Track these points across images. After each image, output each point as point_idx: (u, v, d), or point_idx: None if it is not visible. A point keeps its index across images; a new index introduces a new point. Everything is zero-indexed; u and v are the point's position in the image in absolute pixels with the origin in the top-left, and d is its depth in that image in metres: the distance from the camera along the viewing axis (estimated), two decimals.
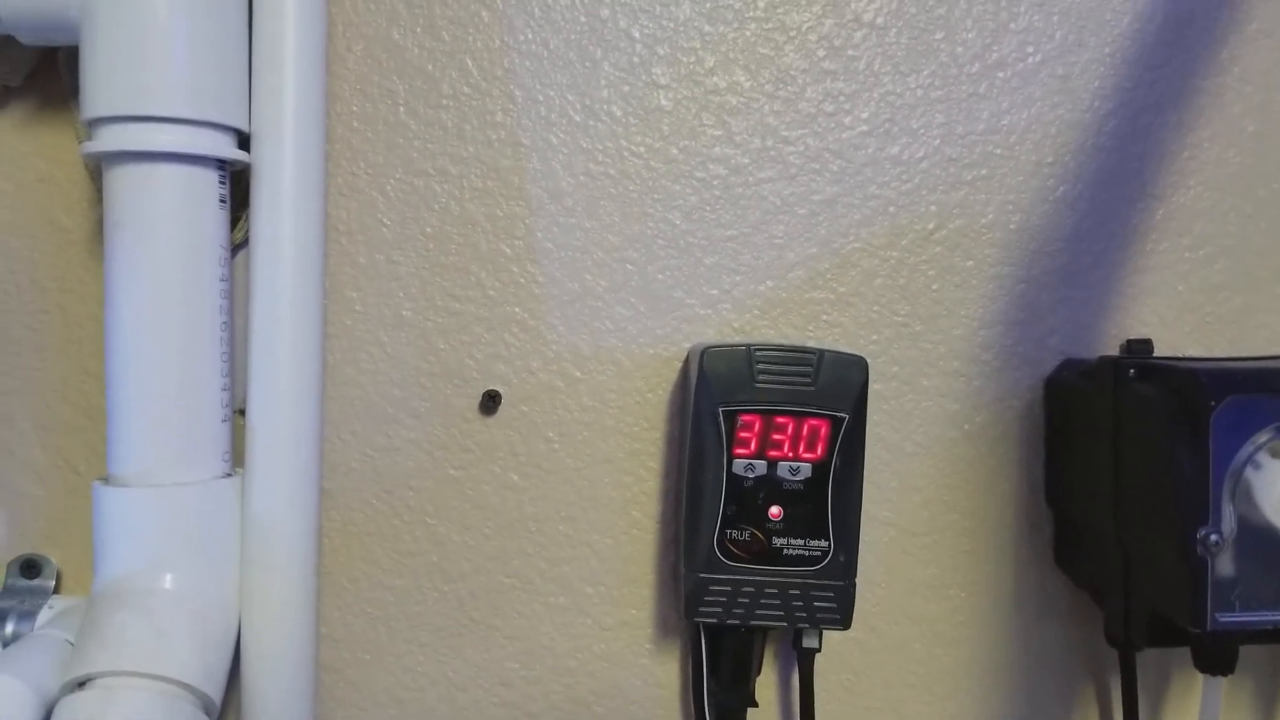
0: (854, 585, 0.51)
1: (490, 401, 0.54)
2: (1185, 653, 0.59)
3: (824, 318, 0.57)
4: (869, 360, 0.51)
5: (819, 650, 0.55)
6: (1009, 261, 0.59)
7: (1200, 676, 0.57)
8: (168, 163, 0.46)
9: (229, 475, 0.48)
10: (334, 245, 0.55)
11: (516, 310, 0.55)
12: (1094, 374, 0.53)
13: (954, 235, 0.58)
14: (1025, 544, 0.59)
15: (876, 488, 0.57)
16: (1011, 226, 0.59)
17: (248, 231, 0.49)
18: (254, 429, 0.47)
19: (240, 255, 0.52)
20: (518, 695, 0.56)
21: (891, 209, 0.58)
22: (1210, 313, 0.60)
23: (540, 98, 0.55)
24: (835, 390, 0.51)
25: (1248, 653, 0.55)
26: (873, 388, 0.56)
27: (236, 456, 0.50)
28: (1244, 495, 0.46)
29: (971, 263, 0.58)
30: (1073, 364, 0.57)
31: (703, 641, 0.54)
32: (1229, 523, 0.46)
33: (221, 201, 0.48)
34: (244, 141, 0.49)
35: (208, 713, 0.43)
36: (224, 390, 0.48)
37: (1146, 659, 0.59)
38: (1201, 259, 0.60)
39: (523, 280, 0.56)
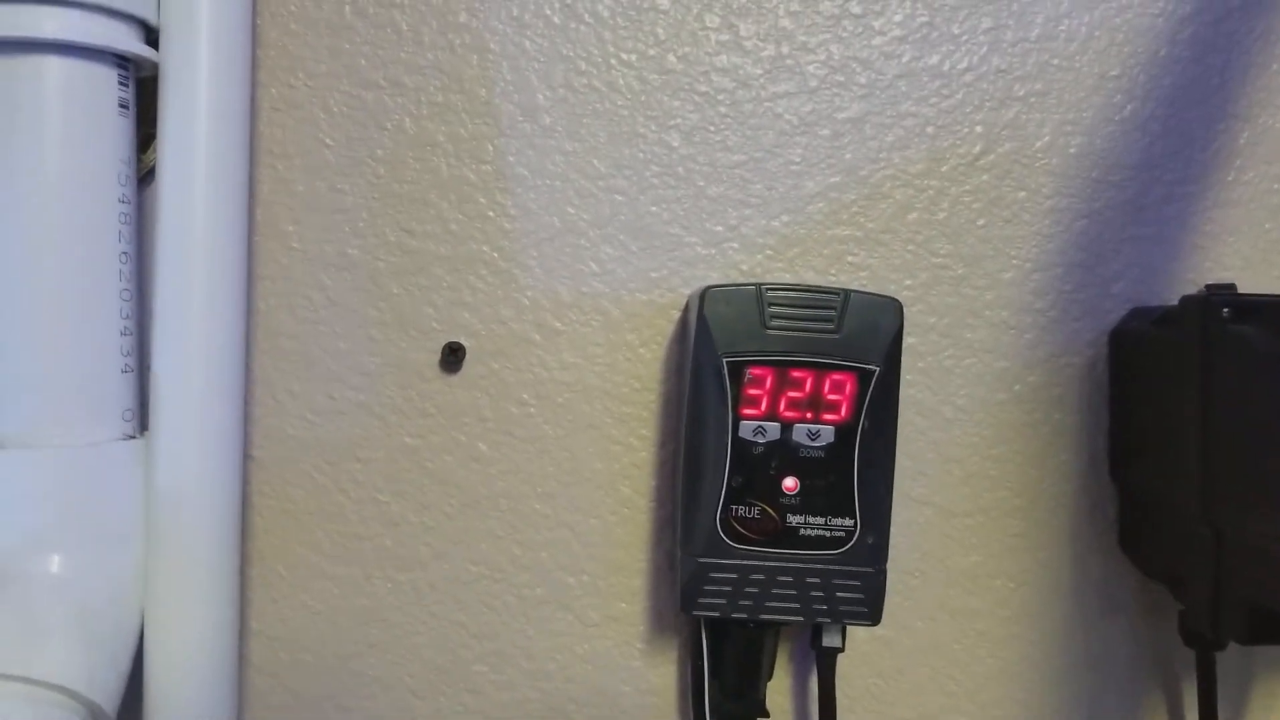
0: (884, 573, 0.47)
1: (452, 356, 0.48)
2: (1273, 653, 0.56)
3: (849, 259, 0.51)
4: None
5: (842, 650, 0.50)
6: (1068, 193, 0.54)
7: None
8: (55, 54, 0.41)
9: (131, 438, 0.42)
10: (266, 170, 0.50)
11: (484, 249, 0.49)
12: (1175, 318, 0.49)
13: (1003, 161, 0.54)
14: (1085, 526, 0.54)
15: (910, 459, 0.52)
16: (1071, 151, 0.54)
17: None
18: (160, 384, 0.42)
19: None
20: (486, 703, 0.51)
21: (930, 130, 0.53)
22: None
23: None
24: (863, 338, 0.46)
25: None
26: (907, 341, 0.51)
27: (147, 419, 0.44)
28: None
29: (1024, 194, 0.54)
30: (1143, 313, 0.52)
31: (704, 640, 0.50)
32: None
33: (122, 107, 0.42)
34: (153, 37, 0.44)
35: None
36: (124, 335, 0.42)
37: (1225, 661, 0.54)
38: None
39: (491, 213, 0.51)
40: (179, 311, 0.42)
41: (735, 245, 0.51)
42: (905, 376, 0.51)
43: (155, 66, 0.44)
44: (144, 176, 0.47)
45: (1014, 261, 0.53)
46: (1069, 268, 0.54)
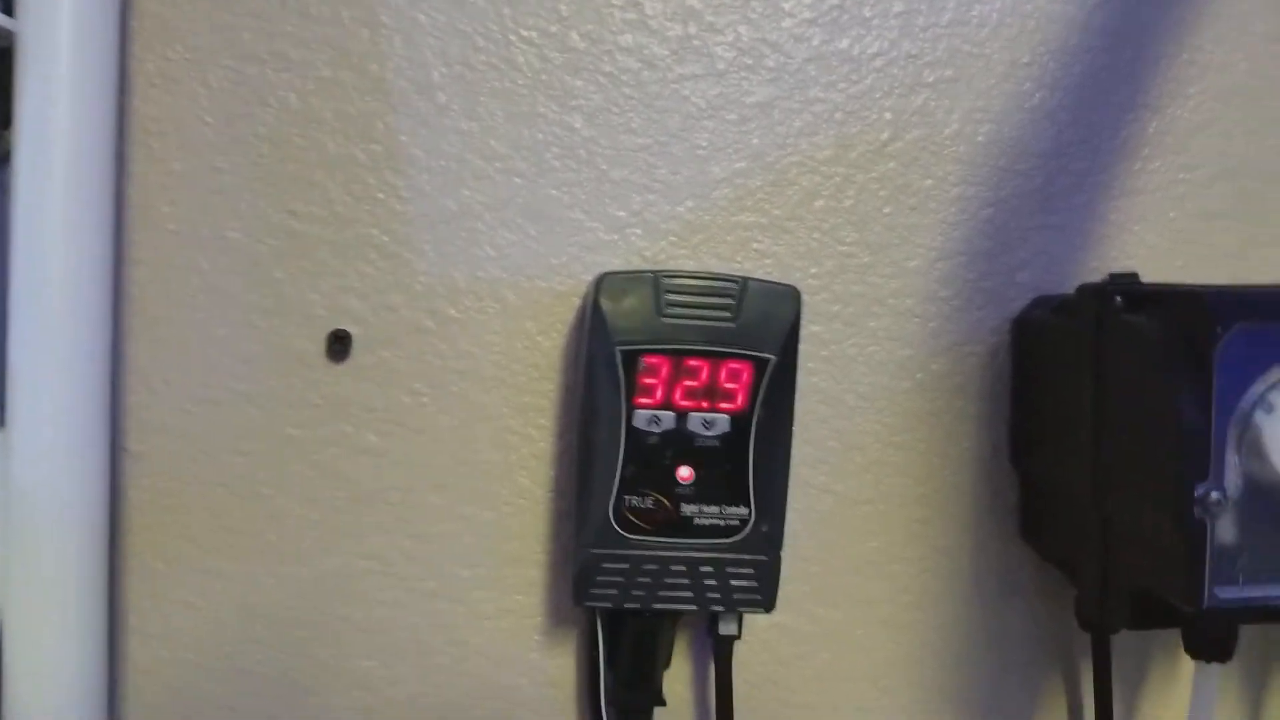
0: (779, 560, 0.47)
1: (338, 344, 0.47)
2: (1167, 636, 0.56)
3: (754, 245, 0.51)
4: (805, 295, 0.47)
5: (738, 638, 0.50)
6: (975, 181, 0.54)
7: (1189, 663, 0.53)
8: None
9: None
10: (140, 149, 0.48)
11: (373, 232, 0.48)
12: (1072, 306, 0.49)
13: (911, 148, 0.53)
14: (986, 513, 0.55)
15: (812, 447, 0.52)
16: (979, 139, 0.54)
17: None
18: (17, 374, 0.39)
19: None
20: (378, 700, 0.50)
21: (838, 115, 0.53)
22: (1207, 244, 0.56)
23: None
24: (760, 327, 0.46)
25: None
26: (811, 329, 0.50)
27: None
28: (1251, 445, 0.42)
29: (930, 182, 0.54)
30: (1045, 301, 0.52)
31: (599, 631, 0.50)
32: (1233, 478, 0.42)
33: None
34: (9, 4, 0.42)
35: None
36: None
37: (1124, 643, 0.56)
38: (1199, 182, 0.56)
39: (381, 195, 0.49)
40: (35, 300, 0.40)
41: (638, 231, 0.50)
42: (808, 364, 0.51)
43: (11, 36, 0.41)
44: (6, 157, 0.44)
45: (920, 250, 0.53)
46: (974, 256, 0.53)
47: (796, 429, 0.47)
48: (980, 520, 0.55)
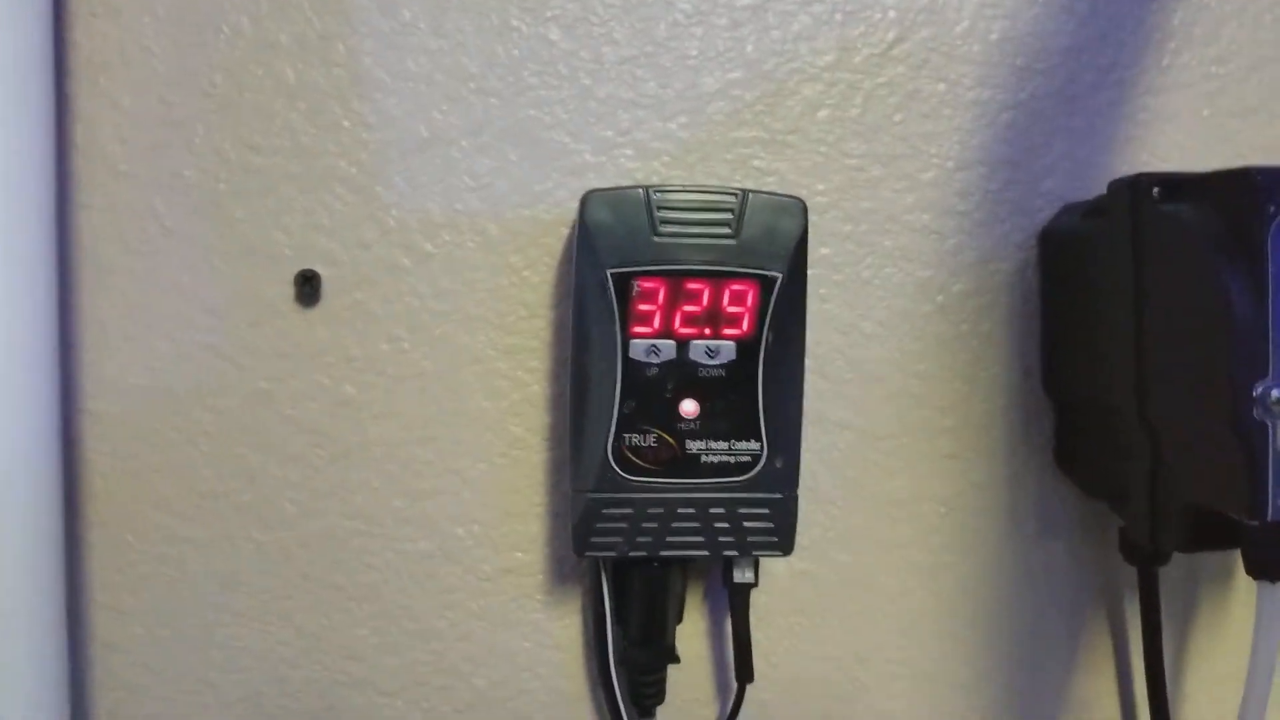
0: (795, 499, 0.44)
1: (308, 287, 0.43)
2: (1216, 565, 0.54)
3: (755, 163, 0.48)
4: (813, 215, 0.44)
5: (755, 585, 0.47)
6: (991, 83, 0.51)
7: (1241, 593, 0.52)
8: None
9: None
10: (84, 83, 0.45)
11: (340, 164, 0.45)
12: (1103, 206, 0.45)
13: (920, 50, 0.50)
14: (1019, 443, 0.51)
15: (827, 380, 0.49)
16: (993, 37, 0.50)
17: None
18: None
19: None
20: (370, 670, 0.48)
21: (838, 17, 0.49)
22: (1245, 142, 0.52)
23: None
24: (764, 244, 0.43)
25: None
26: (821, 252, 0.46)
27: None
28: None
29: (943, 86, 0.50)
30: (1074, 209, 0.48)
31: (604, 585, 0.47)
32: None
33: None
34: None
35: None
36: None
37: (1170, 577, 0.52)
38: (1233, 75, 0.52)
39: (347, 123, 0.46)
40: None
41: (628, 152, 0.47)
42: (819, 290, 0.47)
43: None
44: None
45: (934, 160, 0.49)
46: (994, 165, 0.50)
47: (810, 361, 0.44)
48: (1013, 452, 0.52)
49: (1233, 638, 0.54)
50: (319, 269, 0.45)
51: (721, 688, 0.50)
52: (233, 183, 0.45)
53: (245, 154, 0.45)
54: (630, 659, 0.47)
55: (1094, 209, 0.46)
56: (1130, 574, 0.51)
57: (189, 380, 0.46)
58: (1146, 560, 0.49)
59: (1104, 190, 0.47)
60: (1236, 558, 0.52)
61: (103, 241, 0.45)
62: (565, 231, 0.46)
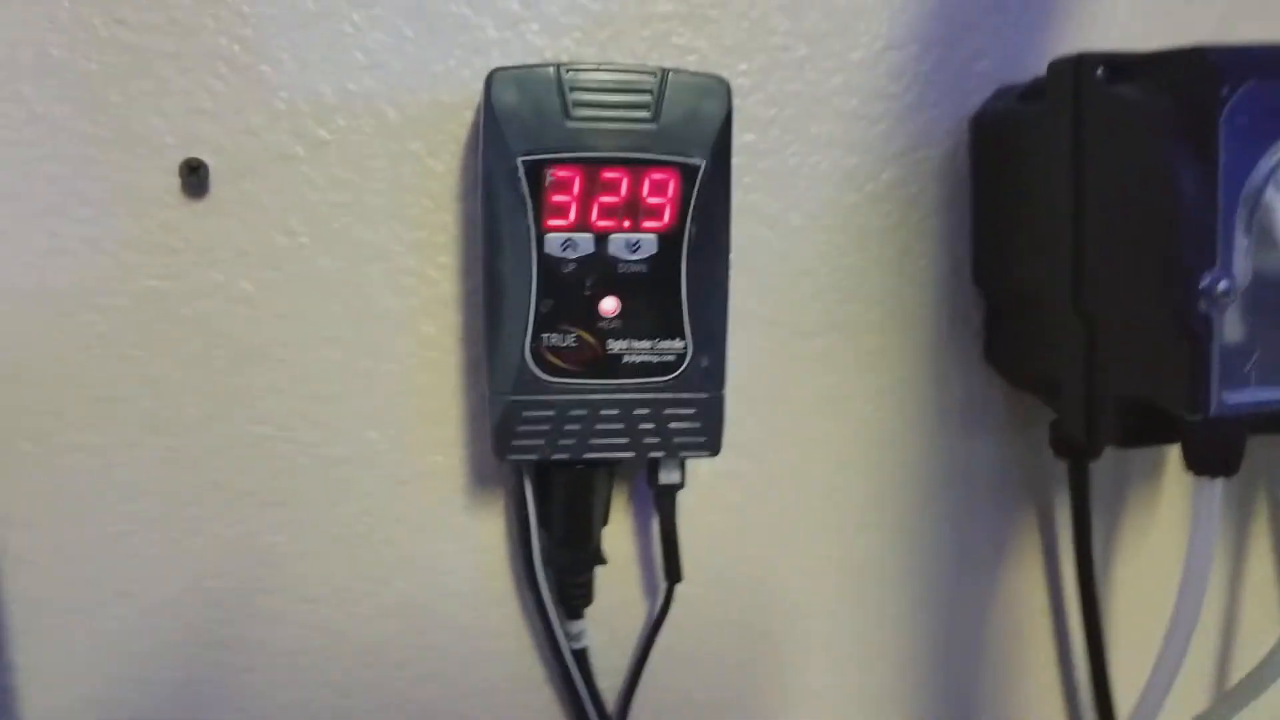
0: (722, 397, 0.41)
1: (193, 176, 0.36)
2: (1144, 460, 0.51)
3: (674, 40, 0.43)
4: (736, 99, 0.39)
5: (682, 486, 0.44)
6: None
7: (1169, 488, 0.49)
8: None
9: None
10: None
11: (221, 41, 0.40)
12: (1043, 88, 0.41)
13: None
14: (948, 338, 0.48)
15: (751, 274, 0.45)
16: None
17: None
18: None
19: None
20: (287, 577, 0.44)
21: None
22: (1186, 19, 0.48)
23: None
24: (686, 127, 0.38)
25: None
26: (745, 139, 0.40)
27: None
28: (1261, 228, 0.35)
29: None
30: (1008, 92, 0.42)
31: (527, 488, 0.43)
32: (1242, 265, 0.35)
33: None
34: None
35: None
36: None
37: (1098, 471, 0.50)
38: None
39: None
40: None
41: (535, 27, 0.41)
42: (744, 180, 0.42)
43: None
44: None
45: (863, 39, 0.44)
46: (926, 44, 0.45)
47: (734, 256, 0.40)
48: (942, 346, 0.49)
49: (1162, 531, 0.53)
50: (204, 158, 0.37)
51: (650, 588, 0.47)
52: (105, 63, 0.39)
53: (117, 30, 0.39)
54: (556, 561, 0.45)
55: (1032, 90, 0.43)
56: (1060, 469, 0.49)
57: (72, 278, 0.40)
58: (1077, 455, 0.47)
59: (1040, 73, 0.40)
60: (1167, 451, 0.47)
61: None
62: (469, 116, 0.41)
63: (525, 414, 0.39)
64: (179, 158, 0.40)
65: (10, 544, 0.42)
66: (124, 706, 0.44)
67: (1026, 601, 0.52)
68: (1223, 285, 0.34)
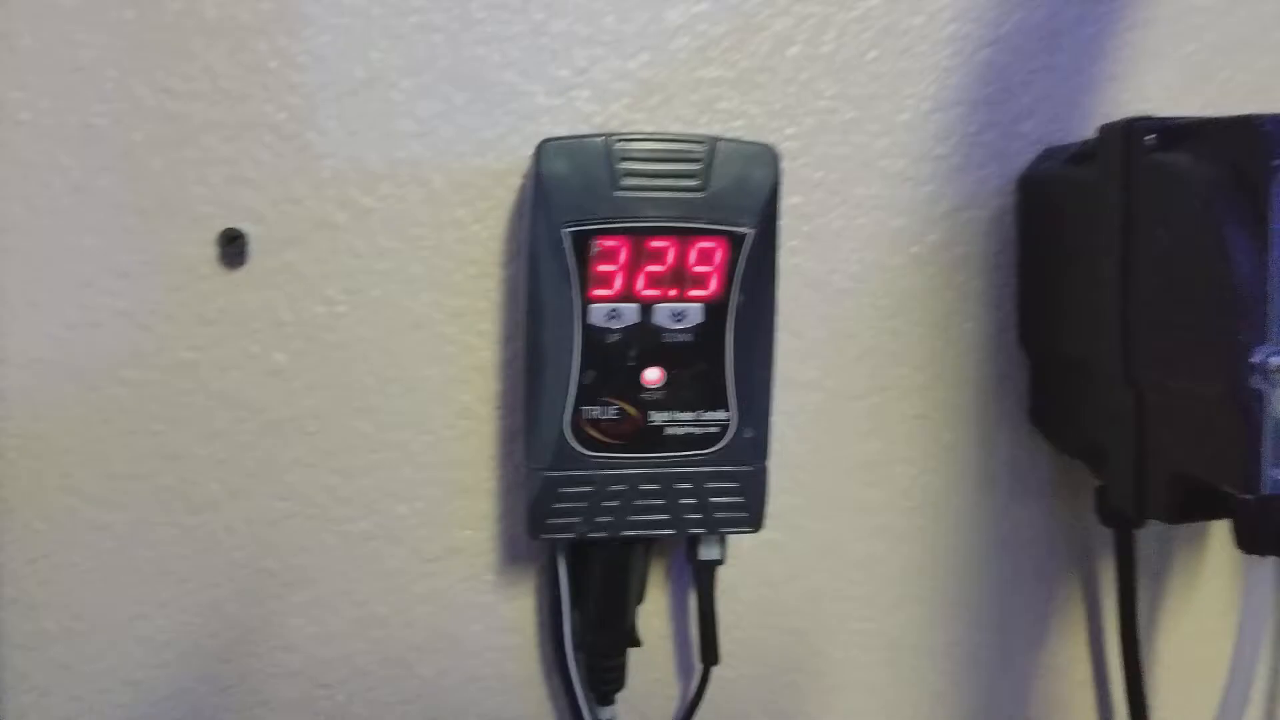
0: (765, 471, 0.46)
1: (230, 246, 0.43)
2: (1192, 531, 0.57)
3: (721, 105, 0.50)
4: (783, 161, 0.45)
5: (722, 563, 0.49)
6: (969, 16, 0.52)
7: (1217, 560, 0.54)
8: None
9: None
10: None
11: (267, 109, 0.46)
12: (1090, 152, 0.48)
13: None
14: (993, 400, 0.55)
15: (796, 338, 0.51)
16: None
17: None
18: None
19: None
20: (306, 661, 0.50)
21: None
22: (1230, 80, 0.55)
23: None
24: (734, 196, 0.44)
25: None
26: (790, 201, 0.48)
27: None
28: None
29: (920, 19, 0.52)
30: (1057, 153, 0.50)
31: (560, 566, 0.48)
32: None
33: None
34: None
35: None
36: None
37: (1144, 541, 0.56)
38: (1216, 8, 0.55)
39: (274, 63, 0.47)
40: None
41: (585, 93, 0.48)
42: (789, 242, 0.49)
43: None
44: None
45: (910, 101, 0.51)
46: (972, 106, 0.52)
47: (778, 318, 0.46)
48: (987, 410, 0.55)
49: (1208, 602, 0.58)
50: (245, 227, 0.46)
51: (684, 669, 0.53)
52: (148, 132, 0.45)
53: (162, 99, 0.45)
54: (588, 643, 0.49)
55: (1081, 154, 0.49)
56: (1106, 536, 0.55)
57: (101, 351, 0.46)
58: (1123, 523, 0.53)
59: (1085, 133, 0.49)
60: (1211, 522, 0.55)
61: (2, 200, 0.45)
62: (517, 182, 0.47)
63: (563, 490, 0.44)
64: (219, 227, 0.47)
65: (10, 627, 0.47)
66: None
67: (1069, 674, 0.57)
68: (1275, 361, 0.39)
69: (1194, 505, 0.46)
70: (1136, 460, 0.47)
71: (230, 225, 0.46)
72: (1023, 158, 0.53)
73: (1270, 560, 0.44)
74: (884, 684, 0.55)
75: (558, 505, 0.44)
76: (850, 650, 0.55)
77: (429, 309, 0.48)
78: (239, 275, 0.47)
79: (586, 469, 0.44)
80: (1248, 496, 0.41)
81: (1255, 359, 0.40)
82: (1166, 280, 0.44)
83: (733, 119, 0.50)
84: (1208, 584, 0.59)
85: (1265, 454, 0.40)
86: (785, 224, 0.48)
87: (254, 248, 0.46)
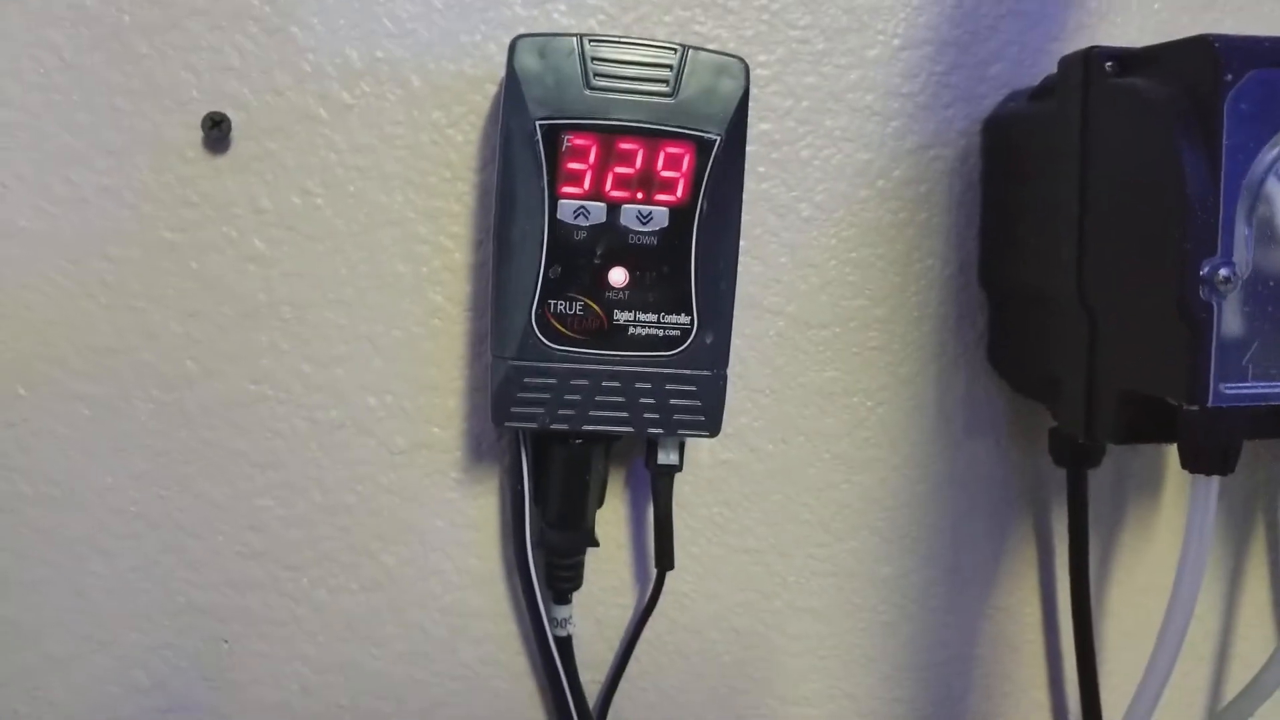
0: (724, 377, 0.46)
1: (215, 130, 0.43)
2: (1144, 471, 0.57)
3: (695, 28, 0.50)
4: (753, 89, 0.45)
5: (679, 469, 0.49)
6: None
7: (1169, 498, 0.53)
8: None
9: None
10: None
11: (253, 1, 0.43)
12: (1053, 85, 0.48)
13: None
14: (952, 338, 0.54)
15: (761, 264, 0.51)
16: None
17: None
18: None
19: None
20: (274, 543, 0.49)
21: None
22: (1200, 27, 0.52)
23: None
24: (703, 103, 0.44)
25: None
26: (760, 127, 0.48)
27: None
28: (1263, 217, 0.40)
29: None
30: (1020, 95, 0.49)
31: (524, 463, 0.48)
32: (1243, 254, 0.40)
33: None
34: None
35: None
36: None
37: (1097, 483, 0.55)
38: None
39: None
40: None
41: (562, 7, 0.48)
42: (757, 168, 0.49)
43: None
44: None
45: (880, 37, 0.51)
46: (941, 45, 0.52)
47: (744, 243, 0.46)
48: (945, 347, 0.55)
49: (1159, 547, 0.57)
50: (229, 113, 0.44)
51: (640, 574, 0.52)
52: (137, 15, 0.45)
53: None
54: (548, 542, 0.49)
55: (1042, 89, 0.49)
56: (1058, 478, 0.55)
57: (86, 226, 0.46)
58: (1076, 461, 0.52)
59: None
60: (1165, 464, 0.54)
61: None
62: (492, 89, 0.47)
63: (526, 380, 0.44)
64: (203, 111, 0.47)
65: None
66: (93, 670, 0.49)
67: (1019, 615, 0.58)
68: (1223, 272, 0.39)
69: (1142, 426, 0.45)
70: (1087, 382, 0.46)
71: (214, 110, 0.45)
72: (989, 100, 0.53)
73: (1214, 480, 0.43)
74: (834, 609, 0.55)
75: (522, 395, 0.44)
76: (802, 574, 0.55)
77: (403, 208, 0.48)
78: (222, 161, 0.46)
79: (550, 360, 0.44)
80: (1194, 408, 0.40)
81: (1204, 271, 0.40)
82: (1122, 202, 0.44)
83: (706, 43, 0.50)
84: (1160, 530, 0.58)
85: (1211, 367, 0.40)
86: (754, 150, 0.48)
87: (236, 134, 0.46)
